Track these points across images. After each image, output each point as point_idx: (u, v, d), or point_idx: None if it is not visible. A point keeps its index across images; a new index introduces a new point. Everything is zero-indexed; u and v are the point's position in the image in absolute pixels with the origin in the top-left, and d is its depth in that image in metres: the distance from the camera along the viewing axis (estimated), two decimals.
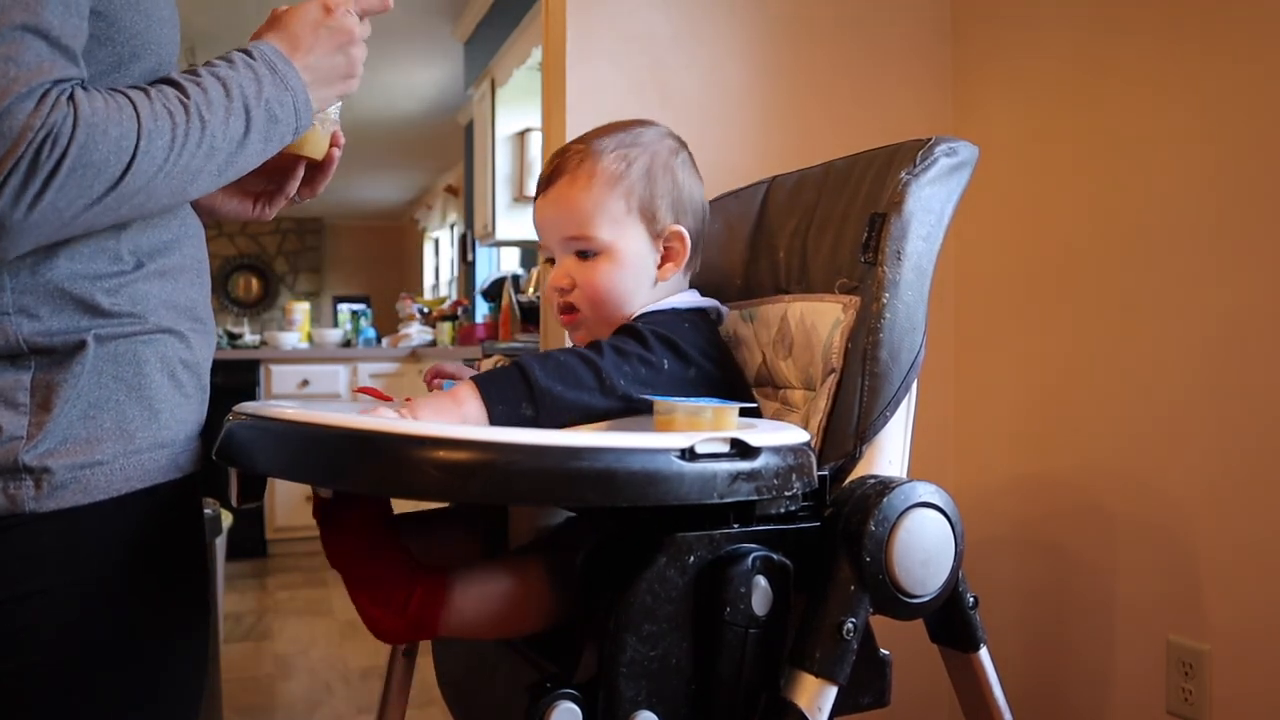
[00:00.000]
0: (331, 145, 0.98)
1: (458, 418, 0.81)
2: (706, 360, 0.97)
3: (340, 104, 0.96)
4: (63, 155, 0.67)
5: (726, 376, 0.99)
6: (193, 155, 0.74)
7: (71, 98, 0.68)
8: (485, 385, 0.83)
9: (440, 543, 0.99)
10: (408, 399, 0.96)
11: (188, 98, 0.75)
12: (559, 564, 0.88)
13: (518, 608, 0.85)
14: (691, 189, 1.05)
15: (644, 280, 1.02)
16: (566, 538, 0.94)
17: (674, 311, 1.01)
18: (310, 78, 0.84)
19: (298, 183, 1.01)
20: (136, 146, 0.70)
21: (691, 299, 1.05)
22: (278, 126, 0.81)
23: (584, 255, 1.01)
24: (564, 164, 1.02)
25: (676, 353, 0.94)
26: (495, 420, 0.82)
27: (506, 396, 0.83)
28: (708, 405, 0.79)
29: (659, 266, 1.03)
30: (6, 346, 0.73)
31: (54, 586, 0.74)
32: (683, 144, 1.07)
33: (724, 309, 1.10)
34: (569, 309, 1.03)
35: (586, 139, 1.03)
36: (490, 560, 0.89)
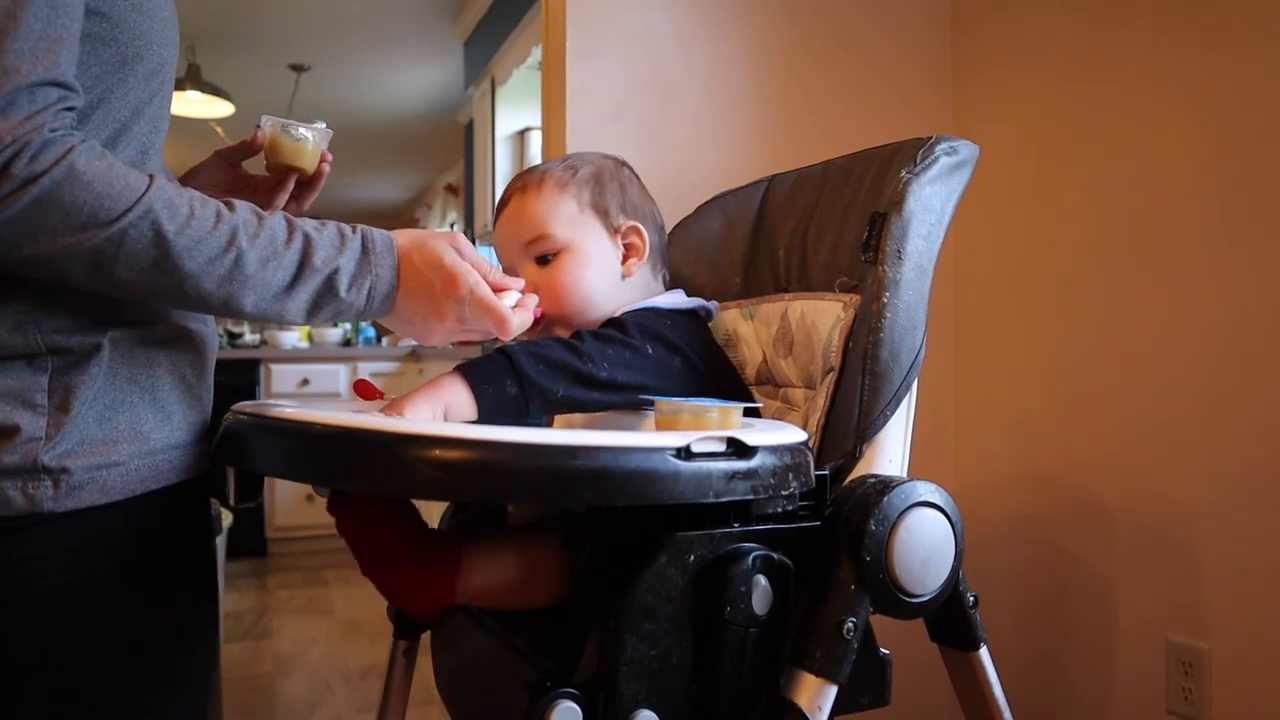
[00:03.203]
0: (321, 162, 1.01)
1: (441, 405, 0.82)
2: (693, 354, 0.97)
3: (324, 123, 1.01)
4: (30, 180, 0.65)
5: (716, 374, 1.00)
6: (203, 265, 0.72)
7: (72, 146, 0.67)
8: (469, 370, 0.84)
9: (529, 571, 1.01)
10: (392, 399, 0.96)
11: (231, 211, 0.74)
12: (570, 536, 0.88)
13: (531, 578, 0.87)
14: (640, 199, 1.08)
15: (609, 276, 1.03)
16: (576, 515, 0.94)
17: (654, 310, 1.01)
18: (405, 287, 0.81)
19: (287, 195, 1.03)
20: (125, 213, 0.68)
21: (674, 299, 1.06)
22: (336, 300, 0.78)
23: (543, 260, 1.02)
24: (513, 187, 1.06)
25: (661, 340, 0.94)
26: (482, 401, 0.83)
27: (491, 377, 0.84)
28: (713, 405, 0.79)
29: (623, 262, 1.04)
30: (25, 345, 0.73)
31: (73, 585, 0.75)
32: (627, 166, 1.11)
33: (713, 306, 1.10)
34: (535, 320, 1.02)
35: (534, 166, 1.08)
36: (502, 533, 0.90)
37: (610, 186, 1.05)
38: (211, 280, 0.72)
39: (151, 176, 0.71)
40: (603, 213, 1.03)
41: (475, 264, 0.84)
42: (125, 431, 0.77)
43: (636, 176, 1.11)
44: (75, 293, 0.75)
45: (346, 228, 0.80)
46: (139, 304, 0.79)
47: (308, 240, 0.77)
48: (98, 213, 0.68)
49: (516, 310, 0.86)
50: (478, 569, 0.85)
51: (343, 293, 0.78)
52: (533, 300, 0.90)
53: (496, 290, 0.84)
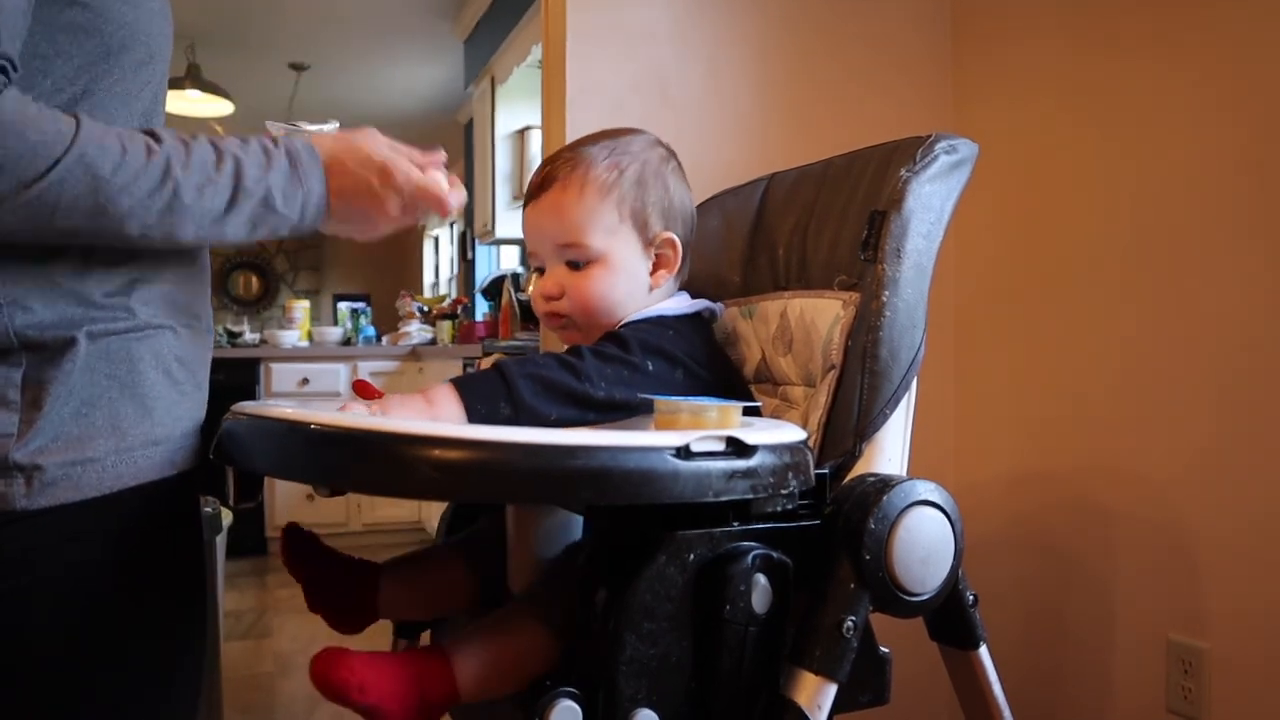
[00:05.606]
0: None
1: (429, 417, 0.80)
2: (695, 364, 0.96)
3: (337, 124, 0.97)
4: None
5: (720, 379, 0.99)
6: (141, 200, 0.71)
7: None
8: (463, 385, 0.83)
9: (437, 584, 0.99)
10: (377, 402, 0.95)
11: (158, 143, 0.73)
12: (554, 611, 0.85)
13: (523, 664, 0.82)
14: (681, 197, 1.05)
15: (637, 288, 1.02)
16: (556, 581, 0.91)
17: (658, 320, 1.00)
18: (342, 192, 0.83)
19: None
20: (59, 160, 0.67)
21: (680, 304, 1.05)
22: (274, 215, 0.79)
23: (575, 265, 1.00)
24: (555, 172, 1.01)
25: (662, 355, 0.94)
26: (473, 419, 0.82)
27: (484, 394, 0.83)
28: (712, 405, 0.79)
29: (652, 274, 1.03)
30: None
31: (46, 583, 0.74)
32: (672, 153, 1.07)
33: (718, 307, 1.09)
34: (557, 316, 1.03)
35: (577, 147, 1.03)
36: (485, 623, 0.86)
37: (654, 189, 1.02)
38: (152, 215, 0.72)
39: (77, 117, 0.70)
40: (641, 225, 1.01)
41: (398, 152, 0.87)
42: (103, 428, 0.75)
43: (679, 166, 1.07)
44: (48, 288, 0.74)
45: (269, 143, 0.81)
46: (119, 296, 0.78)
47: (238, 162, 0.77)
48: (35, 162, 0.66)
49: (452, 191, 0.89)
50: (470, 677, 0.79)
51: (279, 208, 0.79)
52: (452, 177, 0.91)
53: (425, 170, 0.88)
